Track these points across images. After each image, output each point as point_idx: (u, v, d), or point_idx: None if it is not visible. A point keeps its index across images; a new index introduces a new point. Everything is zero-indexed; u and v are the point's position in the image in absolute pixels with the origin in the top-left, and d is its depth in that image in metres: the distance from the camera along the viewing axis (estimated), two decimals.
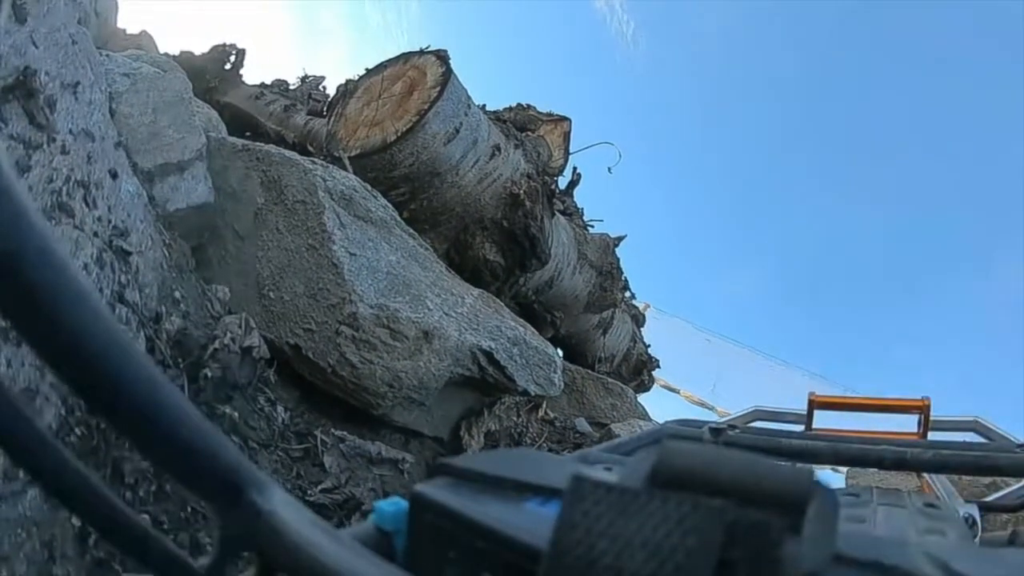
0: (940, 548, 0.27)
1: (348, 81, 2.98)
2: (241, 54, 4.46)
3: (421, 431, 1.94)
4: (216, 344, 1.53)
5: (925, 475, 0.98)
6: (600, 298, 3.18)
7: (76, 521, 1.21)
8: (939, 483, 0.96)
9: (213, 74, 4.41)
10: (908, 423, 1.08)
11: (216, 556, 0.27)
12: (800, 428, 1.09)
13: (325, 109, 3.17)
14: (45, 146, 1.61)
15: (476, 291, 1.96)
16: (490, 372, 1.74)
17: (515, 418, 2.24)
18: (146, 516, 1.38)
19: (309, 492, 1.52)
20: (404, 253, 1.83)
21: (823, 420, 1.10)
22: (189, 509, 1.32)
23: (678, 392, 5.69)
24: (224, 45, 4.56)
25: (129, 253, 1.63)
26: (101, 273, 1.56)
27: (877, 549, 0.25)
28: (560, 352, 3.54)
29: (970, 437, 1.09)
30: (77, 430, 1.34)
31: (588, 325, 3.35)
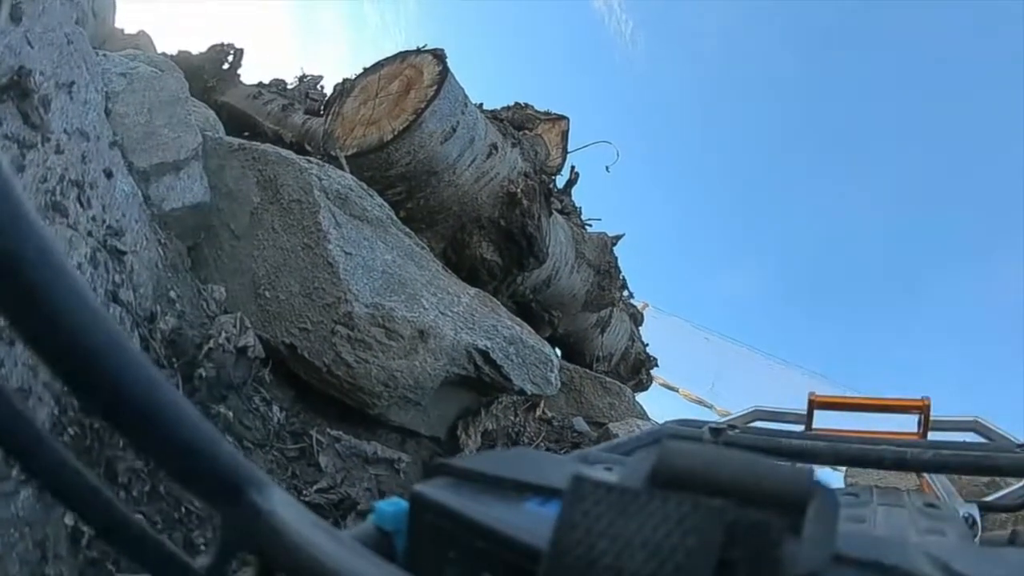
0: (940, 548, 0.27)
1: (345, 80, 2.98)
2: (239, 54, 4.45)
3: (418, 431, 1.93)
4: (211, 344, 1.53)
5: (925, 475, 0.98)
6: (598, 297, 3.17)
7: (69, 521, 1.21)
8: (939, 483, 0.96)
9: (211, 74, 4.40)
10: (908, 423, 1.08)
11: (216, 556, 0.27)
12: (800, 428, 1.09)
13: (322, 108, 3.16)
14: (39, 146, 1.60)
15: (473, 290, 1.96)
16: (486, 371, 1.73)
17: (512, 417, 2.24)
18: (140, 516, 1.38)
19: (304, 492, 1.52)
20: (400, 252, 1.82)
21: (823, 420, 1.10)
22: (183, 509, 1.31)
23: (677, 391, 5.68)
24: (222, 45, 4.55)
25: (123, 252, 1.63)
26: (95, 272, 1.56)
27: (877, 549, 0.25)
28: (559, 351, 3.54)
29: (970, 437, 1.10)
30: (70, 429, 1.34)
31: (586, 324, 3.35)
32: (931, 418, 1.05)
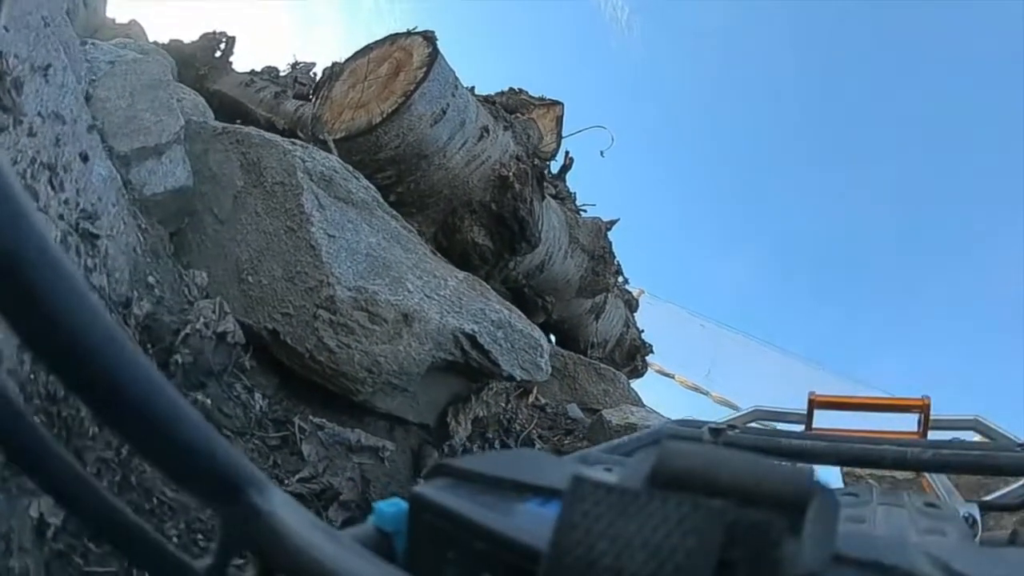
0: (940, 548, 0.26)
1: (334, 64, 2.89)
2: (231, 42, 4.35)
3: (406, 418, 1.86)
4: (188, 329, 1.46)
5: (925, 474, 0.97)
6: (592, 283, 3.10)
7: (34, 513, 1.14)
8: (939, 482, 0.95)
9: (203, 62, 4.31)
10: (908, 423, 1.07)
11: (216, 557, 0.26)
12: (800, 428, 1.08)
13: (311, 93, 3.07)
14: (11, 128, 1.53)
15: (461, 274, 1.88)
16: (474, 356, 1.66)
17: (504, 404, 2.17)
18: None
19: (286, 481, 1.45)
20: (386, 235, 1.74)
21: (823, 420, 1.09)
22: (155, 500, 1.25)
23: (673, 377, 5.62)
24: (214, 33, 4.46)
25: (97, 236, 1.55)
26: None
27: (877, 549, 0.25)
28: (553, 338, 3.47)
29: (970, 436, 1.08)
30: (37, 418, 1.27)
31: (580, 310, 3.27)
32: (931, 417, 1.04)
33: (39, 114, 1.67)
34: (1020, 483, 0.86)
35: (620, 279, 3.77)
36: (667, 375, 5.56)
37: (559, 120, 3.94)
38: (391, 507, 0.31)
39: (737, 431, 0.82)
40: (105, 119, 2.08)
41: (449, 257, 2.40)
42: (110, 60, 2.31)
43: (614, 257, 3.30)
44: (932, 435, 1.04)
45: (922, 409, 1.04)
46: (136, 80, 2.18)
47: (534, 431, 2.24)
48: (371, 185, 1.90)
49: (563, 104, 4.01)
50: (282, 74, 4.28)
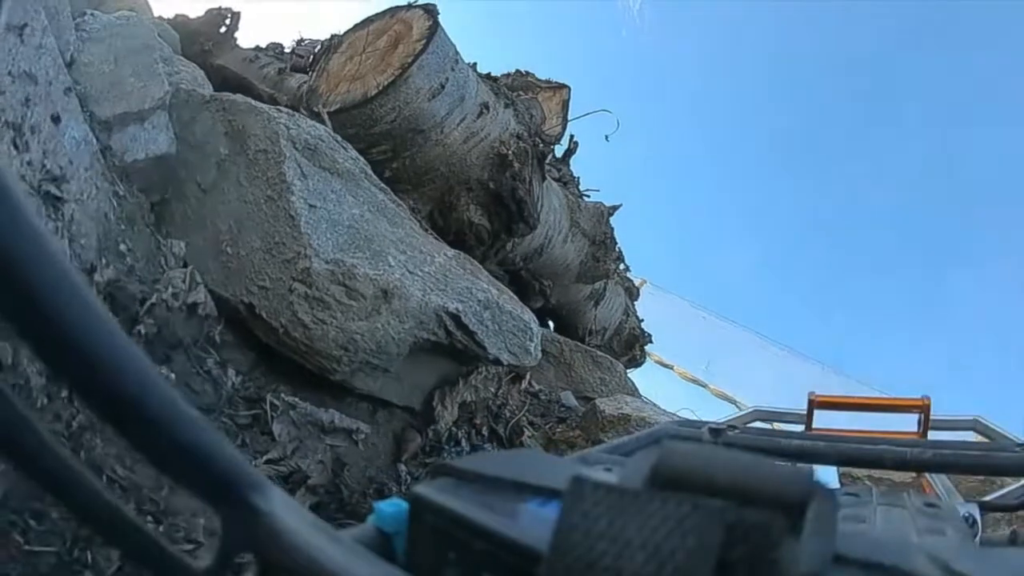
0: (940, 548, 0.26)
1: (333, 36, 2.77)
2: (236, 17, 4.24)
3: (390, 400, 1.75)
4: (154, 299, 1.34)
5: (925, 474, 0.96)
6: (592, 268, 2.96)
7: None
8: (939, 482, 0.94)
9: (208, 37, 4.19)
10: (908, 423, 1.06)
11: (216, 558, 0.26)
12: (800, 428, 1.07)
13: (309, 65, 2.95)
14: None
15: (451, 251, 1.76)
16: (458, 337, 1.54)
17: (494, 389, 2.05)
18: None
19: (253, 463, 1.34)
20: (371, 207, 1.62)
21: (823, 420, 1.08)
22: (105, 477, 1.14)
23: (672, 368, 5.49)
24: (219, 8, 4.34)
25: (61, 200, 1.44)
26: None
27: (877, 549, 0.24)
28: (551, 324, 3.34)
29: (970, 436, 1.08)
30: None
31: (579, 296, 3.14)
32: (931, 418, 1.03)
33: (9, 73, 1.57)
34: (1020, 483, 0.85)
35: (621, 266, 3.63)
36: (666, 366, 5.43)
37: (565, 104, 3.80)
38: (391, 507, 0.31)
39: (737, 431, 0.80)
40: (88, 84, 1.97)
41: (445, 237, 2.28)
42: (102, 27, 2.20)
43: (616, 243, 3.17)
44: (932, 435, 1.03)
45: (922, 409, 1.02)
46: (122, 44, 2.06)
47: (525, 418, 2.12)
48: (360, 156, 1.77)
49: (570, 88, 3.87)
50: (287, 51, 4.17)
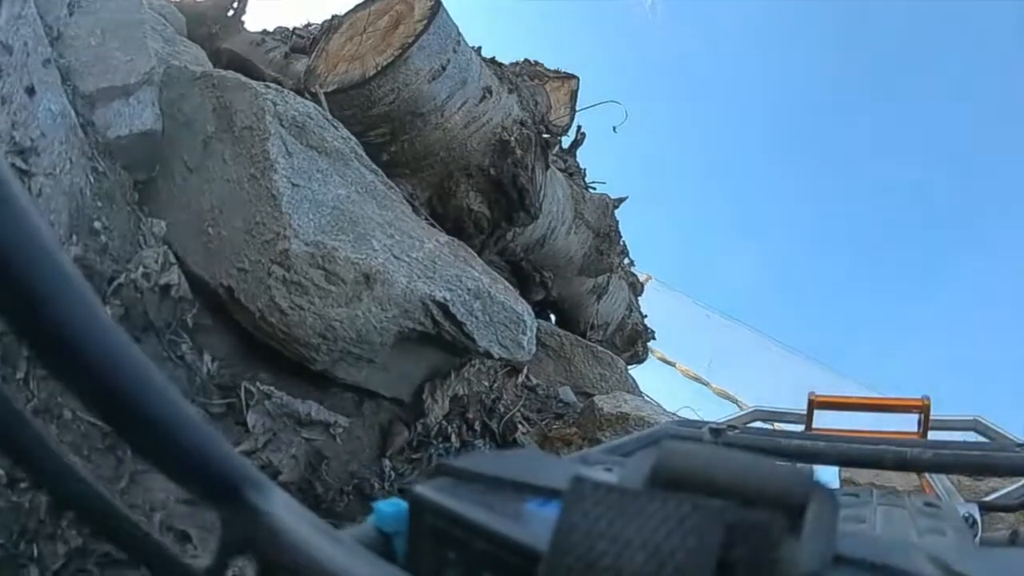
0: (940, 548, 0.25)
1: (333, 16, 2.66)
2: (244, 1, 4.14)
3: (377, 391, 1.64)
4: (122, 279, 1.24)
5: (925, 474, 0.96)
6: (596, 261, 2.84)
7: None
8: (939, 483, 0.93)
9: (215, 20, 4.10)
10: (908, 423, 1.05)
11: (215, 557, 0.26)
12: (800, 428, 1.05)
13: (309, 46, 2.84)
14: None
15: (445, 238, 1.64)
16: (446, 328, 1.43)
17: (489, 383, 1.94)
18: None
19: None
20: (359, 188, 1.51)
21: (823, 420, 1.07)
22: None
23: (674, 365, 5.37)
24: None
25: (30, 173, 1.34)
26: None
27: (877, 549, 0.24)
28: (553, 317, 3.23)
29: (970, 437, 1.06)
30: None
31: (582, 289, 3.02)
32: (931, 418, 1.02)
33: None
34: (1020, 483, 0.84)
35: (626, 260, 3.51)
36: (669, 363, 5.31)
37: (574, 95, 3.67)
38: (391, 507, 0.30)
39: (737, 431, 0.79)
40: (73, 57, 1.87)
41: (443, 224, 2.16)
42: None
43: (620, 236, 3.04)
44: (932, 435, 1.02)
45: (922, 409, 1.01)
46: (109, 17, 1.96)
47: (520, 413, 2.01)
48: (351, 136, 1.66)
49: (578, 78, 3.74)
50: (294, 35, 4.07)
